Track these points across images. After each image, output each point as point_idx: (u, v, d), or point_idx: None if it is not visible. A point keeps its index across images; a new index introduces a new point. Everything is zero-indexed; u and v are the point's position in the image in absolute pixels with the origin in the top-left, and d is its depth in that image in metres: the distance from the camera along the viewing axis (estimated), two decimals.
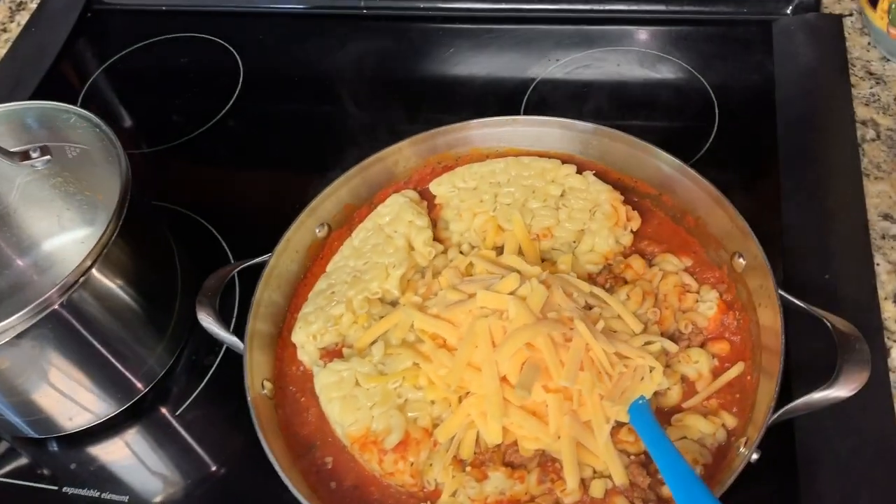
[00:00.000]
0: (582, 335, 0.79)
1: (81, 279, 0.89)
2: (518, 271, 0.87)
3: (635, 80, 1.31)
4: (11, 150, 0.93)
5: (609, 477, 0.80)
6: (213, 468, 0.99)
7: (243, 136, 1.37)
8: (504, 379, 0.80)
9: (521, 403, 0.79)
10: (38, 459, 1.04)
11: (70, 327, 0.92)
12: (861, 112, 1.17)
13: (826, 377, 0.79)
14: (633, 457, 0.82)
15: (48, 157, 0.93)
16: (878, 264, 1.01)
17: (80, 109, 0.97)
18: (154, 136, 1.37)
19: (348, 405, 0.84)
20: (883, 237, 1.03)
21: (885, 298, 0.98)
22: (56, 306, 0.88)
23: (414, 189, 1.06)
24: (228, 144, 1.36)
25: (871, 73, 1.22)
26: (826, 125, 1.17)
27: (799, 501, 0.85)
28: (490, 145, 1.06)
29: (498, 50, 1.41)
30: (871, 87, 1.20)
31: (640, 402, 0.80)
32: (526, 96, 1.32)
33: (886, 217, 1.05)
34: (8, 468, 1.03)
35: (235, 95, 1.42)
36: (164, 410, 1.04)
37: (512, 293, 0.83)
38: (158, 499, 0.97)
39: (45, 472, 1.02)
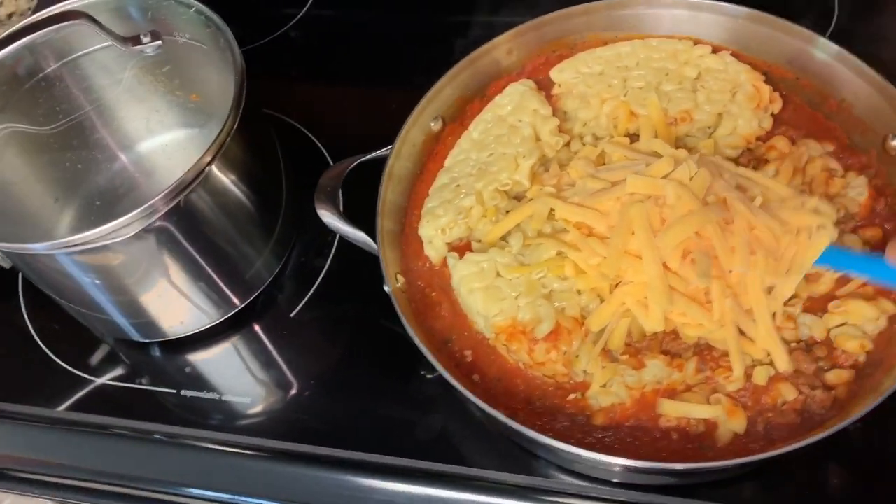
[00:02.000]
0: (744, 216, 0.75)
1: (201, 175, 0.85)
2: (663, 156, 0.82)
3: None
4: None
5: (771, 364, 0.77)
6: (330, 368, 0.97)
7: (322, 42, 1.31)
8: (665, 266, 0.76)
9: (684, 290, 0.75)
10: (143, 363, 1.02)
11: (185, 226, 0.88)
12: None
13: None
14: (793, 344, 0.78)
15: (159, 41, 0.88)
16: None
17: None
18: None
19: (491, 296, 0.81)
20: None
21: None
22: (174, 205, 0.84)
23: (528, 79, 1.00)
24: (304, 52, 1.30)
25: None
26: None
27: None
28: (610, 31, 0.99)
29: None
30: None
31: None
32: None
33: None
34: (120, 371, 1.01)
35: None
36: (275, 316, 1.02)
37: (665, 178, 0.78)
38: (278, 400, 0.95)
39: (151, 376, 1.01)
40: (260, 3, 1.38)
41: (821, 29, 1.10)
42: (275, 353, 1.00)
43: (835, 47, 0.89)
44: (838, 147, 0.91)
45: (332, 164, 1.13)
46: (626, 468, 0.74)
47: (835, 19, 1.13)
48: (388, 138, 0.93)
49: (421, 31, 1.29)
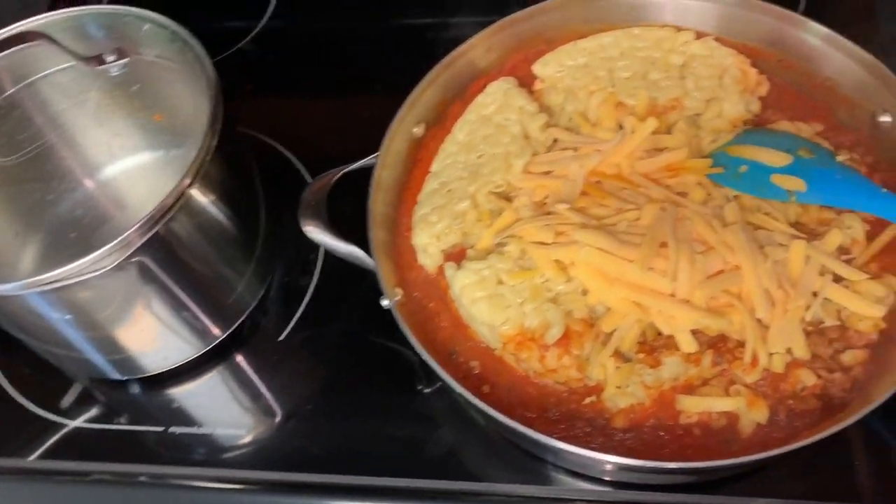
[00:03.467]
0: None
1: (181, 200, 0.80)
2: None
3: None
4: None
5: (788, 351, 0.75)
6: (325, 391, 0.93)
7: (285, 53, 1.27)
8: None
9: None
10: (120, 402, 0.96)
11: (165, 254, 0.83)
12: None
13: None
14: (810, 328, 0.77)
15: (126, 59, 0.82)
16: None
17: (150, 13, 0.86)
18: None
19: (496, 304, 0.78)
20: None
21: None
22: (153, 233, 0.79)
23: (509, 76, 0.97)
24: (268, 64, 1.26)
25: None
26: None
27: None
28: (588, 24, 0.97)
29: None
30: None
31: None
32: None
33: None
34: (98, 412, 0.95)
35: (271, 9, 1.31)
36: (263, 341, 0.97)
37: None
38: (272, 428, 0.91)
39: (131, 415, 0.95)
40: (215, 16, 1.33)
41: (792, 6, 1.11)
42: (265, 379, 0.95)
43: (819, 27, 0.88)
44: (827, 127, 0.90)
45: (307, 178, 1.09)
46: (653, 469, 0.71)
47: None
48: (366, 149, 0.89)
49: (386, 35, 1.26)
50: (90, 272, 0.77)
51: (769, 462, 0.80)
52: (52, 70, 0.88)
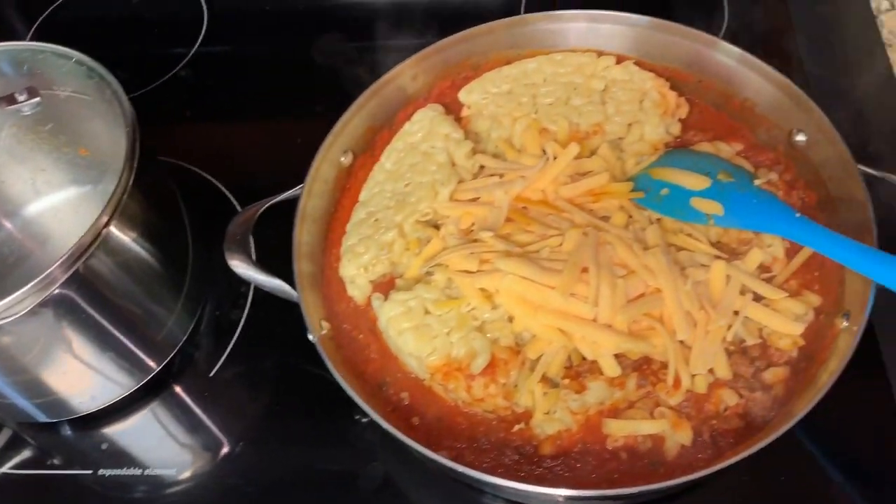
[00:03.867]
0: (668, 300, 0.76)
1: (99, 238, 0.79)
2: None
3: None
4: None
5: (710, 371, 0.76)
6: (260, 425, 0.92)
7: (215, 80, 1.25)
8: None
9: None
10: (52, 445, 0.94)
11: (87, 293, 0.81)
12: None
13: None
14: (731, 347, 0.78)
15: (37, 98, 0.81)
16: None
17: (64, 49, 0.85)
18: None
19: (422, 335, 0.77)
20: None
21: None
22: (72, 272, 0.77)
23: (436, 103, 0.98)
24: (197, 91, 1.24)
25: None
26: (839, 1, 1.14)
27: (883, 368, 0.84)
28: (513, 49, 0.98)
29: None
30: None
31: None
32: (522, 5, 1.25)
33: None
34: (27, 456, 0.93)
35: (201, 37, 1.30)
36: (194, 376, 0.96)
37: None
38: (204, 467, 0.89)
39: (63, 458, 0.92)
40: (147, 44, 1.31)
41: (714, 30, 1.13)
42: (198, 416, 0.93)
43: (734, 48, 0.90)
44: (746, 146, 0.92)
45: (239, 208, 1.08)
46: (576, 498, 0.72)
47: (726, 20, 1.16)
48: (297, 176, 0.88)
49: (319, 60, 1.25)
50: (6, 316, 0.75)
51: (698, 482, 0.81)
52: None
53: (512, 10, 1.23)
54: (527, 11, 1.19)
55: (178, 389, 0.95)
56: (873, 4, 1.11)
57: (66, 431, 0.95)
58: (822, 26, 1.11)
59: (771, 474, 0.82)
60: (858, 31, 1.09)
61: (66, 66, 0.85)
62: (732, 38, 1.12)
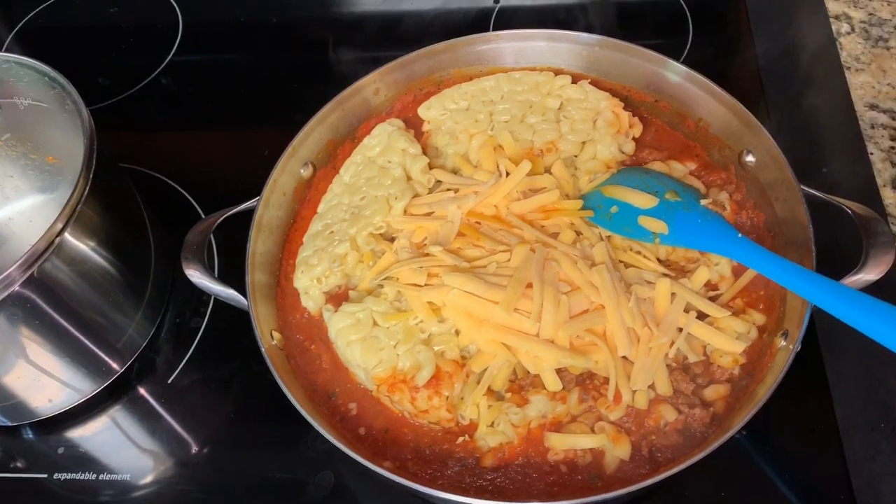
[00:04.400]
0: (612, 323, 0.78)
1: (53, 245, 0.80)
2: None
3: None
4: None
5: (652, 387, 0.77)
6: (217, 433, 0.93)
7: (189, 89, 1.27)
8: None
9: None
10: (14, 449, 0.95)
11: (42, 299, 0.83)
12: (833, 7, 1.16)
13: (846, 265, 0.78)
14: (673, 364, 0.79)
15: None
16: (871, 153, 1.01)
17: (27, 59, 0.86)
18: (89, 95, 1.27)
19: (370, 347, 0.79)
20: (872, 126, 1.03)
21: (884, 185, 0.98)
22: (27, 277, 0.79)
23: (397, 118, 0.99)
24: (171, 100, 1.26)
25: None
26: (799, 23, 1.16)
27: (827, 388, 0.85)
28: (474, 66, 1.00)
29: None
30: None
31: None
32: (491, 22, 1.27)
33: (873, 107, 1.05)
34: None
35: (175, 46, 1.31)
36: (153, 382, 0.97)
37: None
38: (160, 473, 0.90)
39: (26, 461, 0.94)
40: (123, 52, 1.33)
41: (676, 53, 1.15)
42: (156, 421, 0.94)
43: (683, 68, 0.92)
44: (700, 165, 0.94)
45: (203, 216, 1.09)
46: None
47: (689, 43, 1.18)
48: (261, 186, 0.90)
49: (289, 70, 1.27)
50: None
51: (638, 496, 0.82)
52: None
53: (484, 27, 1.25)
54: (495, 29, 1.22)
55: (135, 395, 0.96)
56: (834, 27, 1.13)
57: (27, 435, 0.96)
58: (783, 48, 1.12)
59: (714, 487, 0.83)
60: (818, 54, 1.11)
61: (28, 76, 0.86)
62: (694, 59, 1.14)
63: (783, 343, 0.77)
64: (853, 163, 1.00)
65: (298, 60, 1.28)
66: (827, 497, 0.82)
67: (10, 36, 1.37)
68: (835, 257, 0.82)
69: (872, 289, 0.77)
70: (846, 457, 0.82)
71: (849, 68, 1.09)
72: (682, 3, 1.23)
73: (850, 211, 0.82)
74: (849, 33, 1.13)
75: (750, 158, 0.88)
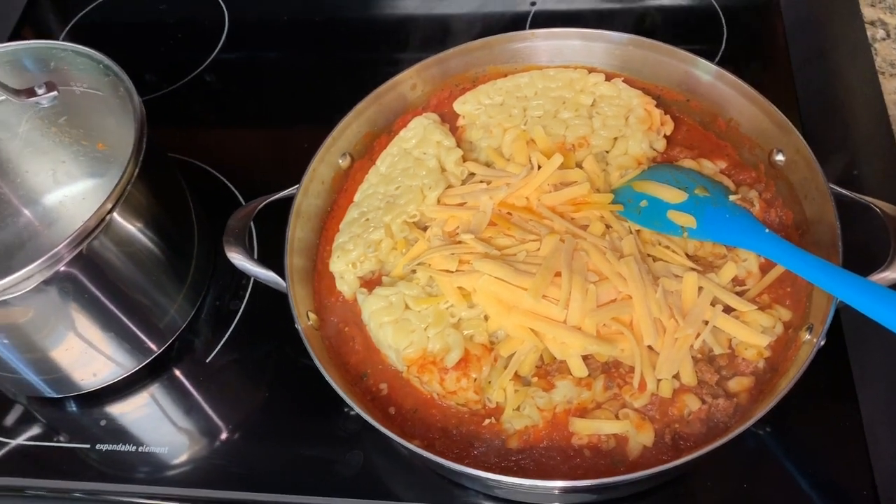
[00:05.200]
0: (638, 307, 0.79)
1: (103, 223, 0.84)
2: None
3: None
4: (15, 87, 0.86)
5: (677, 377, 0.79)
6: (252, 411, 0.96)
7: (232, 86, 1.31)
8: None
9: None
10: (59, 420, 0.99)
11: (91, 276, 0.87)
12: (868, 13, 1.17)
13: (873, 264, 0.79)
14: (699, 355, 0.81)
15: (55, 92, 0.87)
16: None
17: (84, 48, 0.90)
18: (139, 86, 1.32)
19: (401, 329, 0.81)
20: None
21: None
22: (76, 254, 0.83)
23: (433, 112, 1.02)
24: (215, 95, 1.30)
25: None
26: (834, 28, 1.17)
27: (853, 385, 0.86)
28: (509, 63, 1.03)
29: None
30: None
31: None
32: (527, 25, 1.29)
33: None
34: (34, 430, 0.98)
35: (221, 43, 1.36)
36: (191, 361, 1.01)
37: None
38: (195, 448, 0.94)
39: (69, 432, 0.98)
40: (170, 47, 1.38)
41: (709, 57, 1.16)
42: (193, 399, 0.98)
43: (714, 67, 0.93)
44: (730, 164, 0.95)
45: (244, 204, 1.12)
46: (541, 489, 0.75)
47: (723, 47, 1.19)
48: (301, 176, 0.93)
49: (330, 68, 1.31)
50: (14, 291, 0.80)
51: (661, 485, 0.84)
52: None
53: (520, 26, 1.28)
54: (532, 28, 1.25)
55: (175, 374, 1.00)
56: (869, 33, 1.14)
57: (71, 407, 1.00)
58: (818, 52, 1.13)
59: (737, 480, 0.84)
60: (853, 59, 1.12)
61: (84, 63, 0.91)
62: (727, 62, 1.16)
63: (808, 337, 0.78)
64: (886, 165, 1.00)
65: (339, 59, 1.31)
66: (850, 493, 0.83)
67: (65, 31, 1.43)
68: (863, 255, 0.83)
69: None
70: (870, 453, 0.83)
71: (883, 73, 1.09)
72: (717, 7, 1.24)
73: (878, 210, 0.83)
74: (884, 39, 1.13)
75: (780, 157, 0.90)
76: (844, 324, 0.89)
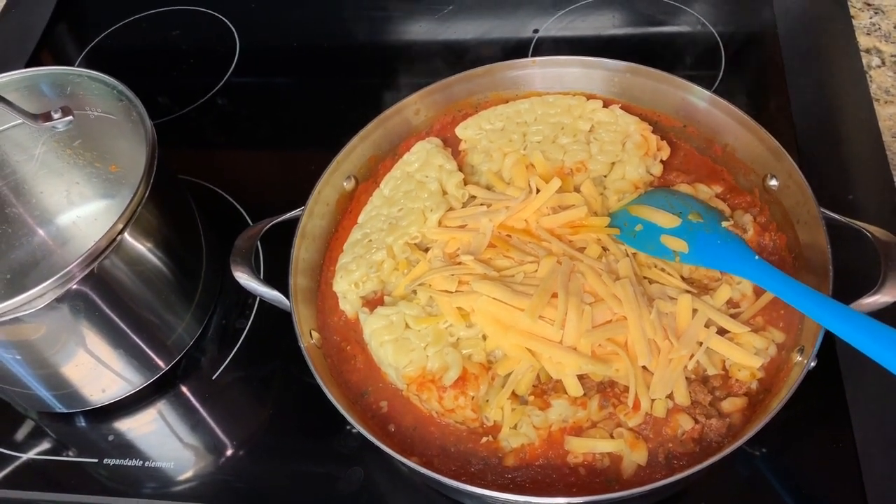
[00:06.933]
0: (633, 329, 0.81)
1: (114, 243, 0.87)
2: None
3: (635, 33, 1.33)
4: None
5: (669, 397, 0.80)
6: (256, 428, 0.98)
7: (243, 110, 1.35)
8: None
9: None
10: (68, 434, 1.02)
11: (101, 294, 0.89)
12: (864, 41, 1.19)
13: (865, 287, 0.81)
14: (692, 376, 0.82)
15: (70, 117, 0.90)
16: None
17: (98, 74, 0.94)
18: (149, 112, 1.36)
19: (401, 347, 0.83)
20: None
21: None
22: (87, 273, 0.85)
23: (436, 137, 1.05)
24: (226, 118, 1.34)
25: (868, 4, 1.24)
26: (830, 56, 1.19)
27: (846, 407, 0.87)
28: (510, 90, 1.06)
29: (494, 6, 1.41)
30: (871, 17, 1.22)
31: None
32: (530, 51, 1.32)
33: None
34: (44, 444, 1.00)
35: (232, 68, 1.40)
36: (198, 378, 1.03)
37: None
38: (201, 464, 0.96)
39: (78, 447, 1.00)
40: (182, 72, 1.42)
41: (707, 84, 1.19)
42: (199, 415, 1.00)
43: (708, 94, 0.96)
44: (726, 188, 0.97)
45: (252, 224, 1.15)
46: None
47: (721, 73, 1.22)
48: (307, 197, 0.96)
49: (337, 93, 1.34)
50: (27, 309, 0.83)
51: (656, 503, 0.85)
52: (5, 127, 0.95)
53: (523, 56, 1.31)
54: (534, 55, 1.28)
55: (181, 390, 1.02)
56: (864, 61, 1.16)
57: (80, 422, 1.03)
58: (814, 79, 1.15)
59: (730, 502, 0.85)
60: (849, 86, 1.14)
61: (98, 89, 0.94)
62: (725, 90, 1.18)
63: (799, 358, 0.79)
64: (880, 191, 1.02)
65: (346, 84, 1.35)
66: None
67: (81, 56, 1.47)
68: (855, 278, 0.84)
69: (889, 310, 0.79)
70: (863, 475, 0.84)
71: (878, 100, 1.11)
72: (717, 35, 1.27)
73: (869, 234, 0.84)
74: (879, 66, 1.16)
75: (773, 182, 0.92)
76: (838, 346, 0.91)
